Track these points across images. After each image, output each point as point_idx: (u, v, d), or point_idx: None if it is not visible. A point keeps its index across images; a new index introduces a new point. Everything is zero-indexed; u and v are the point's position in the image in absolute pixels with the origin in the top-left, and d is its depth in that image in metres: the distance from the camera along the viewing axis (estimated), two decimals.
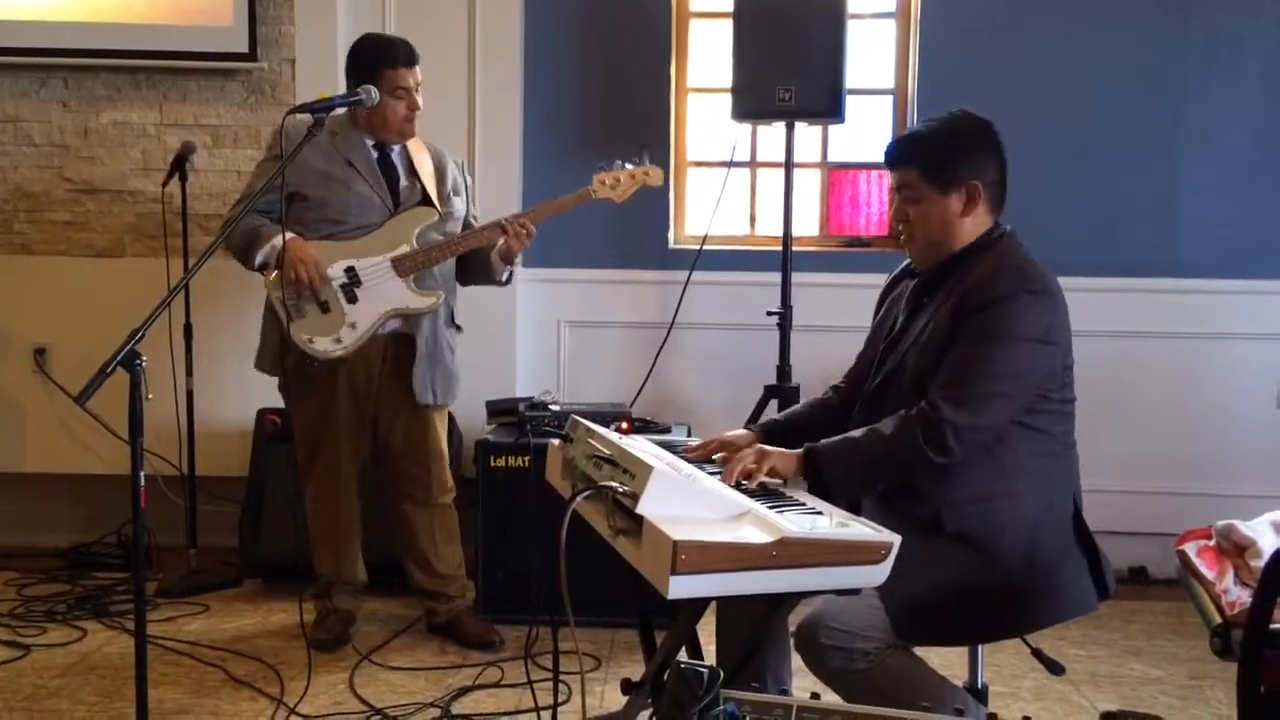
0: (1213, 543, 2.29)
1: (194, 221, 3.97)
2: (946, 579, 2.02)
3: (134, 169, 4.19)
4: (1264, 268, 4.06)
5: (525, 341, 4.19)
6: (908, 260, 2.35)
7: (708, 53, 4.25)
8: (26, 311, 4.12)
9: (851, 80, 3.76)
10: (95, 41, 4.08)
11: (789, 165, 3.84)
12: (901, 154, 2.21)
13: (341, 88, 3.75)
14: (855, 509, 1.93)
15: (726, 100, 3.82)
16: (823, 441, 2.09)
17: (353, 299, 3.10)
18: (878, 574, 1.69)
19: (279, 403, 3.45)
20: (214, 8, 4.05)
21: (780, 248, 3.85)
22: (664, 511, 1.67)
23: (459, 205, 3.32)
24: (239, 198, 2.68)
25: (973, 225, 2.17)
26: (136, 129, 4.18)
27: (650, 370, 4.01)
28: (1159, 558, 3.89)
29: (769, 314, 3.84)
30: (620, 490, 1.74)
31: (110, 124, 4.18)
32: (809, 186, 4.29)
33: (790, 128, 3.81)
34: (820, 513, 1.84)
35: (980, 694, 2.27)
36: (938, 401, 2.01)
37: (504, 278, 3.33)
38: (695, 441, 2.35)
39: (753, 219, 4.34)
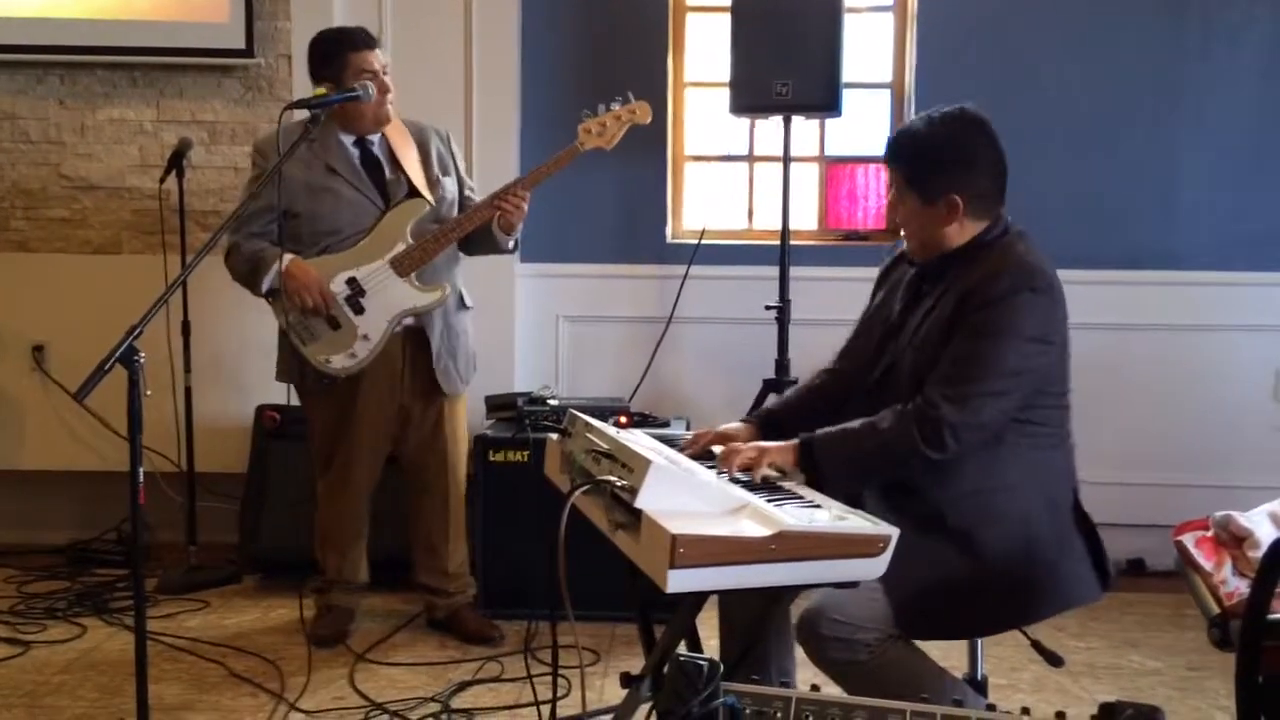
0: (1211, 534, 2.30)
1: (191, 218, 3.97)
2: (949, 574, 2.03)
3: (131, 166, 4.18)
4: (1262, 260, 4.06)
5: (523, 336, 4.19)
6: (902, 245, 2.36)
7: (705, 47, 4.24)
8: (24, 309, 4.11)
9: (849, 74, 3.76)
10: (91, 38, 4.07)
11: (786, 159, 3.84)
12: (894, 152, 2.20)
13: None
14: (856, 503, 1.93)
15: (724, 94, 3.82)
16: (819, 432, 2.09)
17: (359, 310, 3.08)
18: (876, 566, 1.69)
19: (278, 399, 3.45)
20: (210, 4, 4.05)
21: (778, 242, 3.85)
22: (662, 505, 1.67)
23: (450, 185, 3.25)
24: (231, 217, 2.61)
25: (959, 231, 2.15)
26: (133, 126, 4.18)
27: (649, 365, 4.01)
28: (1156, 549, 3.90)
29: (767, 308, 3.84)
30: (619, 484, 1.75)
31: (107, 121, 4.18)
32: (807, 180, 4.28)
33: (788, 121, 3.81)
34: (818, 506, 1.85)
35: (979, 685, 2.28)
36: (935, 399, 2.01)
37: (510, 245, 3.28)
38: (691, 436, 2.35)
39: (750, 213, 4.34)
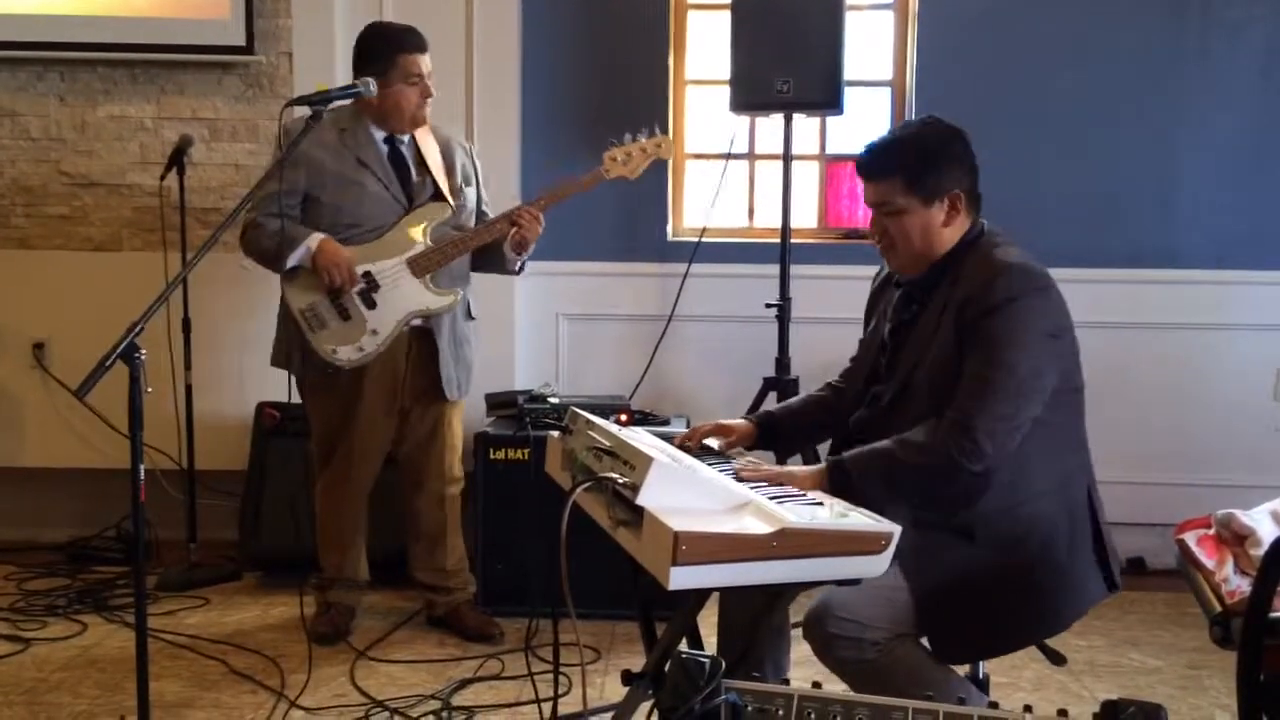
0: (1212, 532, 2.30)
1: (192, 215, 3.96)
2: (985, 596, 2.03)
3: (131, 163, 4.18)
4: (1261, 259, 4.06)
5: (524, 334, 4.19)
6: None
7: (706, 44, 4.24)
8: (25, 306, 4.11)
9: (849, 72, 3.76)
10: (91, 35, 4.06)
11: (787, 157, 3.84)
12: (884, 165, 2.16)
13: (338, 80, 3.76)
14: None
15: (724, 92, 3.81)
16: (846, 454, 2.07)
17: (371, 304, 3.08)
18: (878, 564, 1.69)
19: (278, 396, 3.44)
20: (210, 1, 4.04)
21: (779, 240, 3.85)
22: (664, 502, 1.67)
23: (470, 196, 3.30)
24: (246, 198, 2.64)
25: (952, 233, 2.16)
26: (134, 123, 4.17)
27: (649, 363, 4.01)
28: (1157, 548, 3.90)
29: (767, 306, 3.84)
30: (620, 481, 1.74)
31: (107, 118, 4.17)
32: (807, 178, 4.28)
33: (788, 119, 3.81)
34: (820, 504, 1.85)
35: (982, 684, 2.29)
36: (967, 410, 2.00)
37: (517, 267, 3.31)
38: (688, 431, 2.36)
39: (751, 211, 4.34)
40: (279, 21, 4.09)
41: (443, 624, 3.39)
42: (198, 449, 3.91)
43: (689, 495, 1.72)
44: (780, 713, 1.54)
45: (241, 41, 4.05)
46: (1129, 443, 4.02)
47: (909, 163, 2.14)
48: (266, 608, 3.59)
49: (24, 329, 4.13)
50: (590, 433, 2.00)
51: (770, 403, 3.65)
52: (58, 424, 4.12)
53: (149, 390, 2.13)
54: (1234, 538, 2.24)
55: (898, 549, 1.71)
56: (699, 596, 1.79)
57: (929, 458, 2.00)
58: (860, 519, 1.74)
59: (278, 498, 3.83)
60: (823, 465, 2.06)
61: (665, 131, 3.24)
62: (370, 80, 2.80)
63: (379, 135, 3.18)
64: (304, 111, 2.65)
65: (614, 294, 4.21)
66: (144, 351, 2.09)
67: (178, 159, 3.81)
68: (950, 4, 4.08)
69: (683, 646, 1.82)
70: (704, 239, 4.03)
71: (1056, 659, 2.31)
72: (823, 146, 4.30)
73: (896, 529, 1.69)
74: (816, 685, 1.62)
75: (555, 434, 2.20)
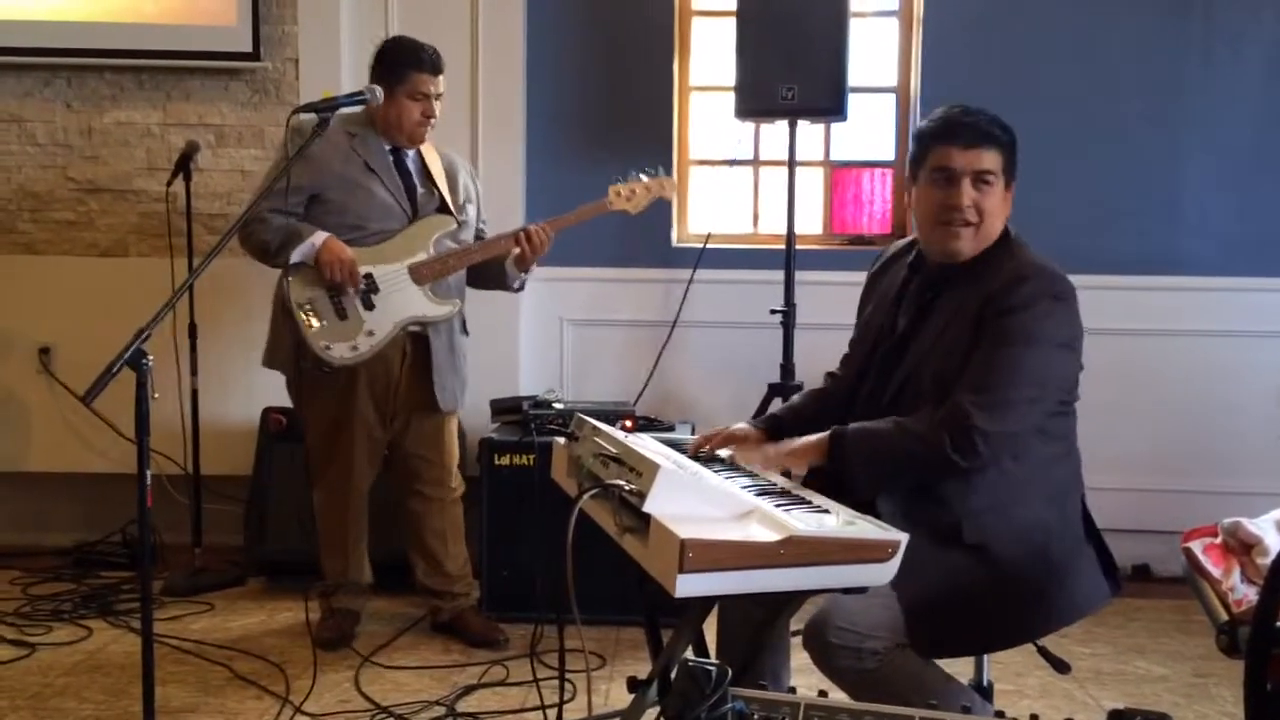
0: (1219, 540, 2.29)
1: (198, 221, 3.97)
2: (964, 589, 2.02)
3: (138, 169, 4.19)
4: (1268, 265, 4.06)
5: (528, 340, 4.19)
6: (890, 249, 2.35)
7: (710, 51, 4.25)
8: (31, 311, 4.12)
9: (854, 78, 3.77)
10: (98, 41, 4.08)
11: (792, 163, 3.84)
12: (996, 135, 2.10)
13: (344, 87, 3.77)
14: (869, 512, 1.92)
15: (729, 98, 3.82)
16: (851, 426, 2.07)
17: (370, 306, 3.10)
18: (885, 572, 1.69)
19: (284, 401, 3.45)
20: (217, 7, 4.06)
21: (783, 246, 3.85)
22: (671, 509, 1.67)
23: (471, 214, 3.34)
24: (253, 203, 2.67)
25: (1000, 226, 2.16)
26: (140, 129, 4.19)
27: (653, 369, 4.01)
28: (1162, 555, 3.89)
29: (772, 312, 3.84)
30: (627, 488, 1.74)
31: (114, 124, 4.18)
32: (812, 185, 4.29)
33: (793, 126, 3.82)
34: (827, 511, 1.84)
35: (986, 692, 2.27)
36: (966, 406, 1.98)
37: (517, 285, 3.35)
38: (699, 438, 2.35)
39: (756, 217, 4.34)
40: (285, 28, 4.10)
41: (447, 629, 3.39)
42: (203, 454, 3.92)
43: (696, 502, 1.71)
44: None
45: (248, 48, 4.06)
46: (1134, 449, 4.02)
47: (1011, 140, 2.13)
48: (271, 613, 3.59)
49: (30, 334, 4.14)
50: (597, 439, 2.00)
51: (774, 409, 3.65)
52: (63, 429, 4.13)
53: (156, 395, 2.13)
54: (1240, 546, 2.23)
55: None
56: (705, 604, 1.78)
57: (922, 447, 2.00)
58: (867, 527, 1.73)
59: (283, 503, 3.83)
60: (825, 435, 2.07)
61: (669, 173, 3.31)
62: (377, 88, 2.81)
63: (385, 145, 3.21)
64: (314, 117, 2.66)
65: (618, 300, 4.21)
66: (151, 358, 2.10)
67: (184, 165, 3.83)
68: (955, 10, 4.08)
69: (688, 654, 1.82)
70: (709, 245, 4.03)
71: (1061, 667, 2.30)
72: (827, 153, 4.31)
73: (904, 536, 1.69)
74: (823, 694, 1.62)
75: (561, 440, 2.20)
